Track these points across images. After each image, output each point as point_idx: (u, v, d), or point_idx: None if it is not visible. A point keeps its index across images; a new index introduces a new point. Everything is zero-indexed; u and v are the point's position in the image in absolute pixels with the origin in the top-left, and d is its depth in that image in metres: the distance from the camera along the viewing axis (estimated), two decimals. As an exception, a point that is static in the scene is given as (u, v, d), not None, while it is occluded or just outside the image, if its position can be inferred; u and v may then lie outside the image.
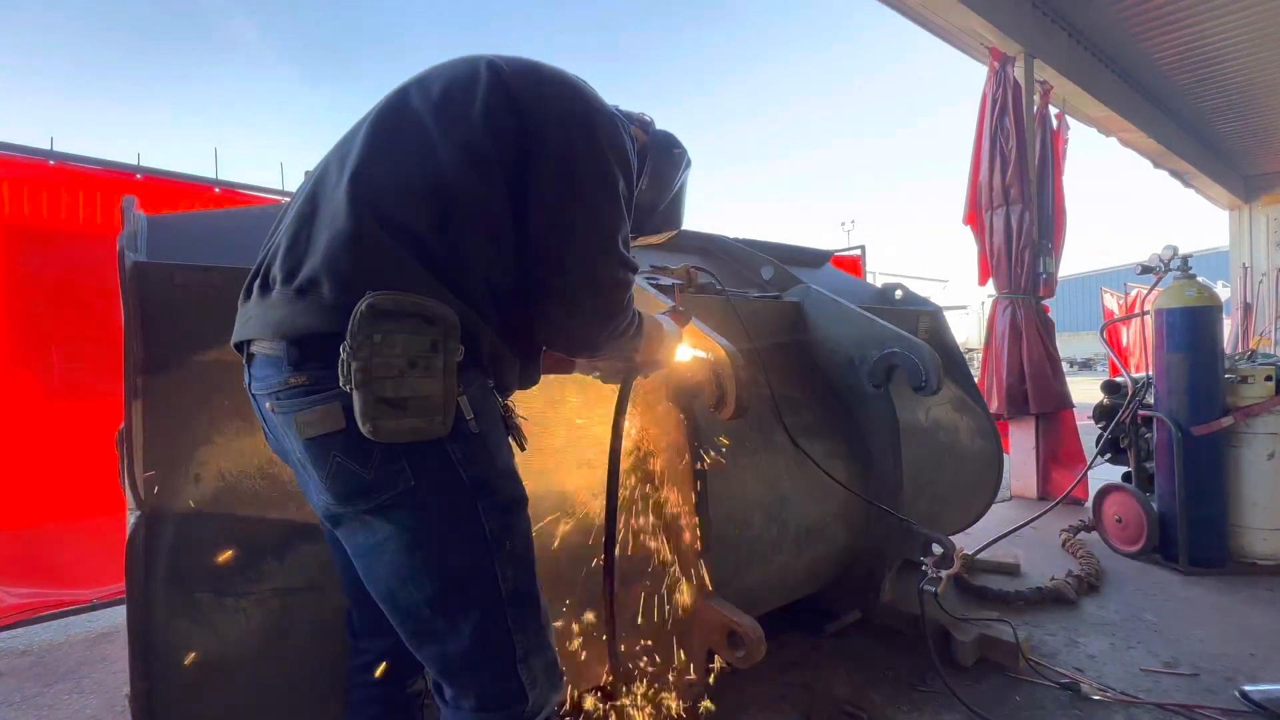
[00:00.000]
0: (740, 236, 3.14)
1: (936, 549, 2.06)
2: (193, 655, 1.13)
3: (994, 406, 4.49)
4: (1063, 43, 5.32)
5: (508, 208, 0.98)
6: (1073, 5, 5.09)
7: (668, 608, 1.72)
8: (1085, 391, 6.22)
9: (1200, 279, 3.28)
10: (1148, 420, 3.35)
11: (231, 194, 3.02)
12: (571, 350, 1.13)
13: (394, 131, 0.98)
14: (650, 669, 1.73)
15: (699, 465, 1.67)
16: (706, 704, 1.76)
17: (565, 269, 1.00)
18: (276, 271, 0.93)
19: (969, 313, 16.73)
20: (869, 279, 5.33)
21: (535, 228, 0.99)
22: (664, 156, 1.35)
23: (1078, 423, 4.69)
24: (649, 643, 1.73)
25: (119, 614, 2.69)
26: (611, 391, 1.45)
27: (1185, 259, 3.36)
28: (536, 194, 0.99)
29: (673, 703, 1.71)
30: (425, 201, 0.93)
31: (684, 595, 1.69)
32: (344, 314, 0.83)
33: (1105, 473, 3.79)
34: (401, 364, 0.84)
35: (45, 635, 2.63)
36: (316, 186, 0.99)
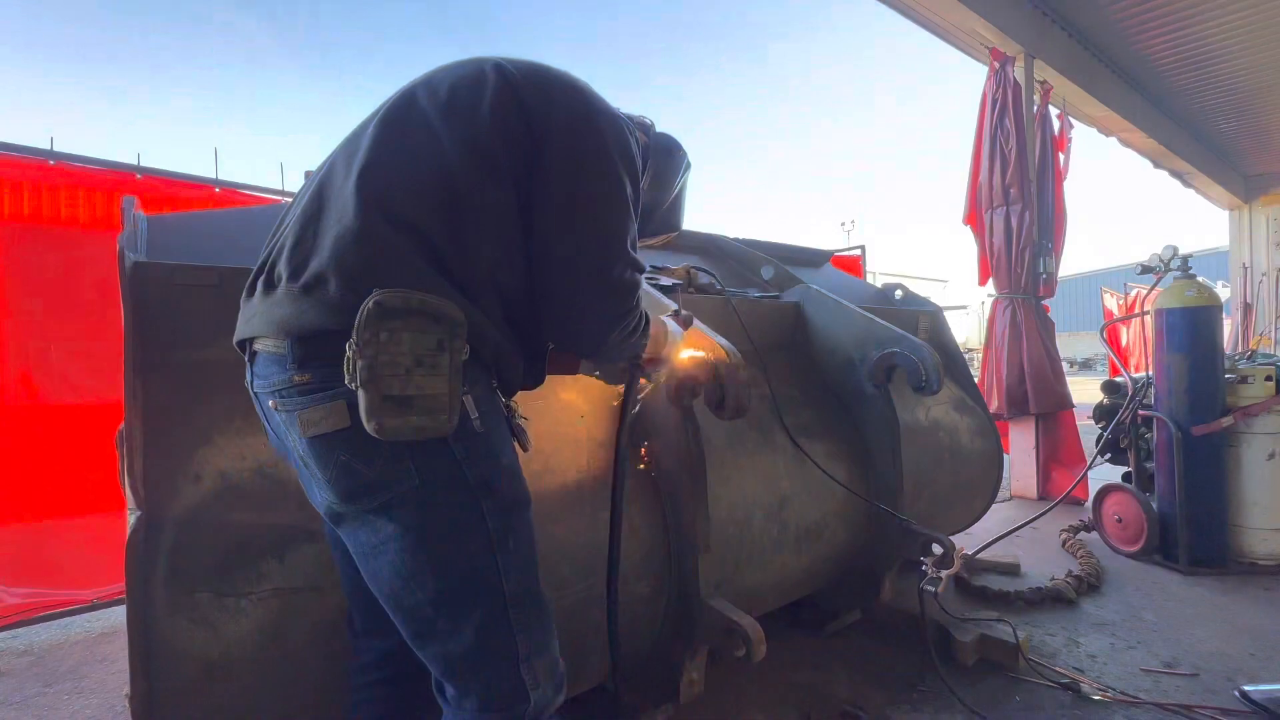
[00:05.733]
0: (740, 236, 3.14)
1: (936, 549, 2.06)
2: (193, 655, 1.13)
3: (994, 406, 4.49)
4: (1063, 43, 5.32)
5: (514, 208, 0.98)
6: (1073, 5, 5.09)
7: (668, 608, 1.72)
8: (1085, 391, 6.23)
9: (1200, 279, 3.28)
10: (1148, 420, 3.35)
11: (231, 194, 3.01)
12: (579, 350, 1.14)
13: (402, 130, 0.98)
14: (651, 669, 1.73)
15: (699, 465, 1.67)
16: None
17: (574, 271, 1.00)
18: (282, 269, 0.93)
19: (969, 313, 16.77)
20: (869, 279, 5.33)
21: (543, 230, 0.99)
22: (664, 159, 1.36)
23: (1078, 423, 4.69)
24: (649, 643, 1.73)
25: (119, 614, 2.69)
26: (613, 391, 1.45)
27: (1185, 259, 3.35)
28: (544, 196, 0.99)
29: (673, 701, 1.72)
30: (433, 200, 0.93)
31: (684, 595, 1.69)
32: (350, 311, 0.83)
33: (1105, 473, 3.79)
34: (408, 362, 0.84)
35: (45, 635, 2.63)
36: (323, 184, 0.99)
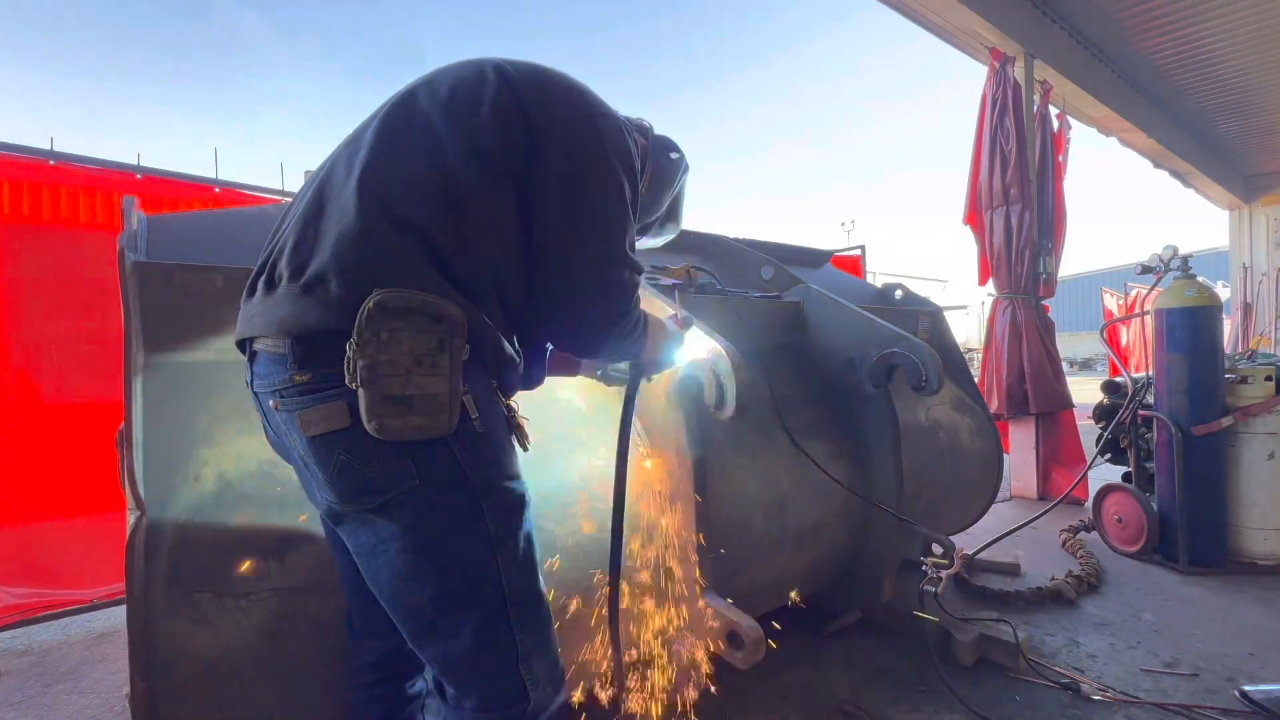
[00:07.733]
0: (740, 236, 3.14)
1: (936, 549, 2.06)
2: (193, 655, 1.13)
3: (994, 406, 4.49)
4: (1063, 43, 5.32)
5: (514, 209, 0.98)
6: (1073, 5, 5.09)
7: (668, 608, 1.72)
8: (1085, 391, 6.23)
9: (1200, 279, 3.28)
10: (1148, 420, 3.35)
11: (231, 194, 3.02)
12: (578, 351, 1.14)
13: (403, 131, 0.99)
14: (651, 669, 1.73)
15: (699, 466, 1.67)
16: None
17: (573, 272, 1.00)
18: (283, 268, 0.93)
19: (969, 313, 16.79)
20: (869, 279, 5.33)
21: (543, 231, 0.99)
22: (663, 161, 1.36)
23: (1078, 423, 4.69)
24: (650, 643, 1.73)
25: (119, 614, 2.69)
26: (613, 391, 1.45)
27: (1185, 259, 3.35)
28: (544, 197, 0.99)
29: (673, 701, 1.71)
30: (433, 200, 0.93)
31: (684, 596, 1.69)
32: (351, 311, 0.84)
33: (1105, 473, 3.79)
34: (408, 362, 0.84)
35: (45, 635, 2.63)
36: (323, 184, 0.99)
